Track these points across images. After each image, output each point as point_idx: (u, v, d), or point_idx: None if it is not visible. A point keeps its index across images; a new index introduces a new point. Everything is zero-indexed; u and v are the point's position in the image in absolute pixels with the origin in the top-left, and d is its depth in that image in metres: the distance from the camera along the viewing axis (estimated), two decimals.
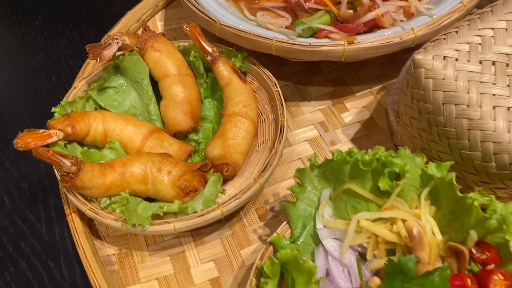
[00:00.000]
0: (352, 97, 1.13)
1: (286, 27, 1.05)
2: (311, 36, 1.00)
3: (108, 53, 0.97)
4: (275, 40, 0.97)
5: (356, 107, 1.11)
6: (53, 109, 0.97)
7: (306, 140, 1.07)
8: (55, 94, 1.27)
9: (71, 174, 0.82)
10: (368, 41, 0.94)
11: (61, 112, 0.97)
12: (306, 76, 1.17)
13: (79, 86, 1.03)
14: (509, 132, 0.74)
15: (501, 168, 0.75)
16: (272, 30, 1.03)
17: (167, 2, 1.36)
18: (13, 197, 1.09)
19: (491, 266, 0.73)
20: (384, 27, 0.99)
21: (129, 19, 1.27)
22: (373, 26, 0.99)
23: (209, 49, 1.01)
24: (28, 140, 0.87)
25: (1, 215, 1.06)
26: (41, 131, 0.89)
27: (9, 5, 1.52)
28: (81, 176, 0.82)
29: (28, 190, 1.10)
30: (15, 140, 0.86)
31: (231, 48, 1.06)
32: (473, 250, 0.74)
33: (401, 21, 1.00)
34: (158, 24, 1.34)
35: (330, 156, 0.81)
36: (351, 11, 0.99)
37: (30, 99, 1.28)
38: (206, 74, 1.07)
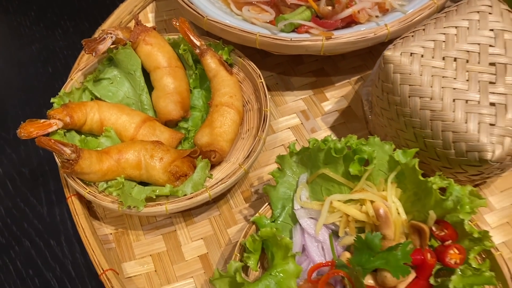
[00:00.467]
0: (332, 87, 1.20)
1: (270, 22, 1.12)
2: (293, 31, 1.07)
3: (103, 47, 1.04)
4: (259, 35, 1.04)
5: (335, 97, 1.18)
6: (52, 100, 1.03)
7: (289, 128, 1.15)
8: (52, 83, 1.34)
9: (71, 161, 0.89)
10: (344, 37, 1.01)
11: (59, 103, 1.03)
12: (289, 67, 1.25)
13: (75, 77, 1.10)
14: (466, 123, 0.82)
15: (459, 155, 0.84)
16: (256, 25, 1.10)
17: None
18: (15, 181, 1.17)
19: (449, 242, 0.82)
20: (360, 23, 1.06)
21: (122, 12, 1.32)
22: (350, 21, 1.06)
23: (197, 43, 1.08)
24: (30, 129, 0.94)
25: (5, 198, 1.14)
26: (42, 121, 0.96)
27: None
28: (80, 162, 0.90)
29: (29, 175, 1.18)
30: (18, 130, 0.93)
31: (218, 41, 1.13)
32: (433, 228, 0.83)
33: (376, 16, 1.07)
34: (149, 15, 1.40)
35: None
36: (329, 7, 1.06)
37: (28, 88, 1.34)
38: (195, 65, 1.14)
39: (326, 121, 1.15)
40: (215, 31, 1.10)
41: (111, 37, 1.05)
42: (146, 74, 1.11)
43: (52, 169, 1.18)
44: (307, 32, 1.06)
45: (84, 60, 1.21)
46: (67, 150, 0.89)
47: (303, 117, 1.16)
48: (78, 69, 1.12)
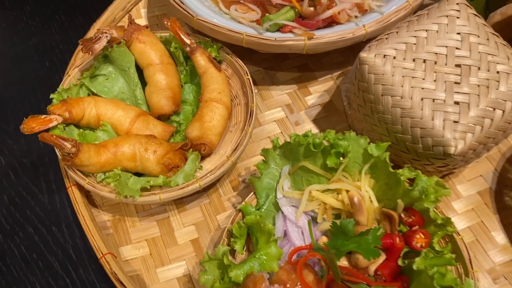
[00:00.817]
0: (315, 82, 1.28)
1: (256, 21, 1.18)
2: (277, 30, 1.14)
3: (99, 46, 1.10)
4: (246, 35, 1.11)
5: (318, 91, 1.26)
6: (51, 96, 1.10)
7: (274, 121, 1.23)
8: (49, 77, 1.40)
9: (71, 154, 0.96)
10: (325, 37, 1.08)
11: (58, 98, 1.10)
12: (275, 62, 1.31)
13: (72, 73, 1.16)
14: (432, 120, 0.90)
15: (426, 149, 0.92)
16: (243, 24, 1.16)
17: None
18: (17, 172, 1.24)
19: (416, 228, 0.91)
20: (340, 23, 1.13)
21: (115, 8, 1.38)
22: (331, 21, 1.13)
23: (188, 41, 1.14)
24: (32, 125, 1.00)
25: (8, 188, 1.21)
26: (43, 116, 1.03)
27: None
28: (80, 156, 0.97)
29: (30, 165, 1.25)
30: (21, 126, 0.99)
31: (207, 39, 1.20)
32: (402, 215, 0.92)
33: (356, 17, 1.14)
34: (141, 11, 1.45)
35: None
36: (312, 8, 1.13)
37: (26, 82, 1.39)
38: (185, 62, 1.20)
39: (309, 114, 1.23)
40: (204, 30, 1.16)
41: (106, 36, 1.11)
42: (139, 70, 1.17)
43: (51, 160, 1.24)
44: (290, 31, 1.13)
45: (80, 56, 1.27)
46: (68, 145, 0.96)
47: (287, 110, 1.24)
48: (75, 65, 1.18)
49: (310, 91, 1.26)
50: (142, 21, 1.43)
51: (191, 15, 1.16)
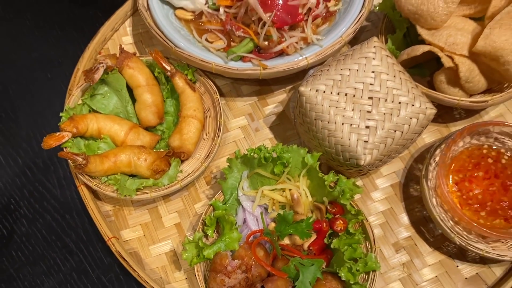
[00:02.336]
0: (272, 94, 1.58)
1: (224, 48, 1.47)
2: (240, 59, 1.43)
3: (98, 76, 1.38)
4: (214, 64, 1.40)
5: (274, 103, 1.57)
6: (61, 114, 1.38)
7: (239, 127, 1.54)
8: (52, 87, 1.66)
9: (82, 165, 1.27)
10: (275, 68, 1.38)
11: (66, 116, 1.39)
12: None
13: (76, 93, 1.45)
14: (349, 139, 1.23)
15: (345, 160, 1.25)
16: (212, 53, 1.45)
17: (134, 10, 1.72)
18: (33, 170, 1.54)
19: (337, 216, 1.26)
20: (289, 54, 1.43)
21: (106, 30, 1.64)
22: (282, 53, 1.44)
23: (168, 68, 1.43)
24: (50, 142, 1.30)
25: (27, 184, 1.51)
26: (57, 134, 1.31)
27: (0, 4, 1.83)
28: (88, 166, 1.28)
29: (43, 165, 1.55)
30: (42, 144, 1.28)
31: (184, 63, 1.49)
32: (328, 207, 1.27)
33: (301, 48, 1.44)
34: (127, 29, 1.70)
35: (254, 139, 1.40)
36: (266, 42, 1.42)
37: (32, 91, 1.66)
38: (167, 82, 1.49)
39: (267, 122, 1.55)
40: (181, 58, 1.45)
41: (103, 66, 1.39)
42: (130, 89, 1.46)
43: (60, 161, 1.54)
44: (250, 61, 1.42)
45: (80, 74, 1.54)
46: (79, 159, 1.26)
47: (249, 119, 1.55)
48: (77, 86, 1.46)
49: (267, 102, 1.57)
50: (128, 38, 1.69)
51: (170, 46, 1.44)
